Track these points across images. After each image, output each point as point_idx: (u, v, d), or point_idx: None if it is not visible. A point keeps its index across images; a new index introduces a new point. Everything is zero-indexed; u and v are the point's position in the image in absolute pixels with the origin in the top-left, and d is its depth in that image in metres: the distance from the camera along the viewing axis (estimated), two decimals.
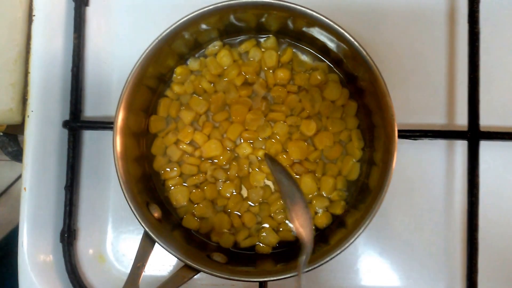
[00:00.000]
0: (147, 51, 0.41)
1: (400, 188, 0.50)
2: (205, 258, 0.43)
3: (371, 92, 0.43)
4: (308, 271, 0.40)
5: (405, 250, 0.50)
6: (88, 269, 0.50)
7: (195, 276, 0.48)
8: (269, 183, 0.47)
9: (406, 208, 0.50)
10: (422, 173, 0.50)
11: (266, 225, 0.47)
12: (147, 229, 0.40)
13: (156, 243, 0.40)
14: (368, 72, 0.41)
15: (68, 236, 0.48)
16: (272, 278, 0.40)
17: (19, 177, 0.89)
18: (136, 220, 0.45)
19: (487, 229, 0.49)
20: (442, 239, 0.50)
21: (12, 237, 0.75)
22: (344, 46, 0.42)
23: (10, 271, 0.50)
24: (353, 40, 0.40)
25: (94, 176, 0.51)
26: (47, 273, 0.49)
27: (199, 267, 0.40)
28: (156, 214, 0.43)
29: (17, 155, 0.53)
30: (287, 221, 0.45)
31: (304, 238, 0.36)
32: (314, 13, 0.41)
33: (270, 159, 0.41)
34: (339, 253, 0.40)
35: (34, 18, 0.50)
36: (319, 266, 0.40)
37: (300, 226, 0.36)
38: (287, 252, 0.46)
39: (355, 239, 0.40)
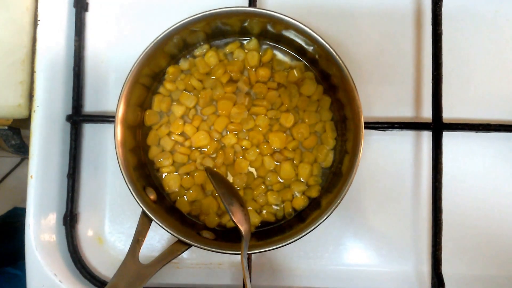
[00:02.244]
0: (143, 53, 0.49)
1: (372, 175, 0.59)
2: (195, 235, 0.51)
3: (342, 88, 0.51)
4: (285, 245, 0.49)
5: (376, 231, 0.59)
6: (88, 249, 0.59)
7: (186, 256, 0.58)
8: (252, 169, 0.56)
9: (377, 193, 0.59)
10: (392, 161, 0.59)
11: (250, 208, 0.55)
12: (144, 209, 0.48)
13: (153, 222, 0.49)
14: (339, 71, 0.49)
15: (70, 220, 0.57)
16: (255, 251, 0.50)
17: (10, 172, 0.98)
18: (132, 205, 0.55)
19: (450, 211, 0.57)
20: (410, 221, 0.59)
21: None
22: (317, 47, 0.50)
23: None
24: (324, 42, 0.49)
25: (94, 165, 0.59)
26: (51, 253, 0.57)
27: (190, 242, 0.48)
28: (152, 196, 0.51)
29: (19, 148, 0.62)
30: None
31: (241, 229, 0.48)
32: (290, 19, 0.49)
33: (210, 172, 0.51)
34: (313, 229, 0.49)
35: (39, 22, 0.58)
36: (295, 241, 0.49)
37: (238, 221, 0.48)
38: (268, 231, 0.55)
39: (327, 217, 0.49)
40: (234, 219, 0.47)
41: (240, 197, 0.50)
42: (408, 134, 0.60)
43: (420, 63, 0.60)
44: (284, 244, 0.49)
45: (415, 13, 0.60)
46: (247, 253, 0.52)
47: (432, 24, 0.57)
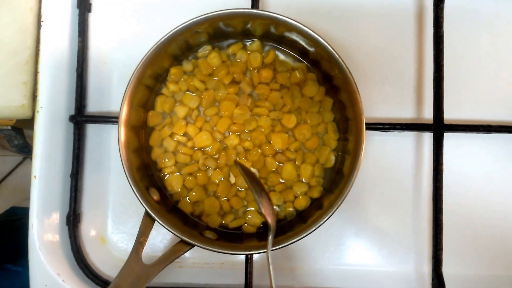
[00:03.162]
0: (146, 54, 0.50)
1: (373, 175, 0.60)
2: (198, 235, 0.52)
3: (344, 90, 0.52)
4: (286, 245, 0.49)
5: (377, 231, 0.60)
6: (90, 249, 0.60)
7: (188, 255, 0.59)
8: (255, 170, 0.56)
9: (378, 193, 0.60)
10: (393, 162, 0.60)
11: (252, 208, 0.56)
12: (147, 209, 0.49)
13: (156, 222, 0.49)
14: (341, 73, 0.50)
15: (73, 219, 0.58)
16: (256, 252, 0.50)
17: (12, 171, 0.99)
18: (134, 205, 0.56)
19: (451, 212, 0.58)
20: (411, 221, 0.60)
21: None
22: (320, 49, 0.51)
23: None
24: (326, 44, 0.49)
25: (97, 165, 0.60)
26: (54, 252, 0.58)
27: (193, 242, 0.49)
28: (155, 197, 0.52)
29: (22, 148, 0.63)
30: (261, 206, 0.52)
31: (270, 221, 0.49)
32: (292, 21, 0.49)
33: (240, 165, 0.53)
34: (315, 229, 0.49)
35: (42, 23, 0.59)
36: (296, 241, 0.49)
37: (267, 214, 0.49)
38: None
39: (328, 218, 0.49)
40: (263, 211, 0.49)
41: (267, 192, 0.52)
42: (410, 135, 0.61)
43: (421, 65, 0.61)
44: (285, 244, 0.50)
45: (417, 15, 0.61)
46: (251, 253, 0.53)
47: (433, 27, 0.58)
